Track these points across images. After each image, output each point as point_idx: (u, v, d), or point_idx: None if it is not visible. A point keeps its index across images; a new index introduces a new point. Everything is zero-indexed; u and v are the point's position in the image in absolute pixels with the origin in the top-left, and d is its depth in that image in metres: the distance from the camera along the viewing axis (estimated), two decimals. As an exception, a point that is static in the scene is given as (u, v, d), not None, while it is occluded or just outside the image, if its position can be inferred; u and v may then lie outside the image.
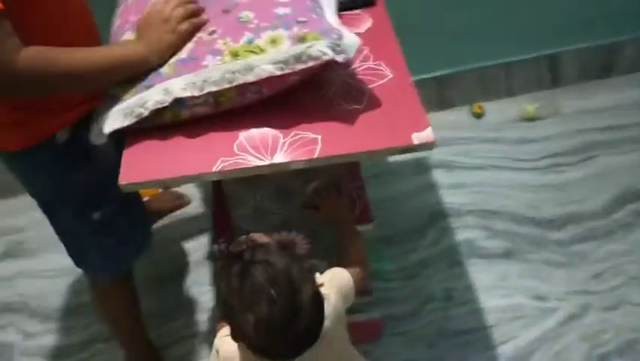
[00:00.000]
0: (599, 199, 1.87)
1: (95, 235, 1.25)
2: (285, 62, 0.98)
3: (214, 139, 1.02)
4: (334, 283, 1.02)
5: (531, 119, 2.12)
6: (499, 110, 2.17)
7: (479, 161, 2.02)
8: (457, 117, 2.18)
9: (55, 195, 1.18)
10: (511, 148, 2.05)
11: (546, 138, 2.06)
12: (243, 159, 0.98)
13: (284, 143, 1.00)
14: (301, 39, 0.99)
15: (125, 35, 1.09)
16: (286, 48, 0.99)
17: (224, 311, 0.88)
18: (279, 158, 0.98)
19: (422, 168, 2.03)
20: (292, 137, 1.01)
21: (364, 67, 1.14)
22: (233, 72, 0.99)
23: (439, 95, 2.16)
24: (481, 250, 1.77)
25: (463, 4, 1.94)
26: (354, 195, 1.36)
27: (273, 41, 1.00)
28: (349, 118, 1.03)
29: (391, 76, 1.11)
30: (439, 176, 2.00)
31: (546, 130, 2.09)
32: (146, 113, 0.99)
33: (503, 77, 2.15)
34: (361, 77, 1.11)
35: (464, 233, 1.82)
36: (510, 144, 2.06)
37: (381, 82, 1.10)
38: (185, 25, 1.03)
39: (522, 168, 1.98)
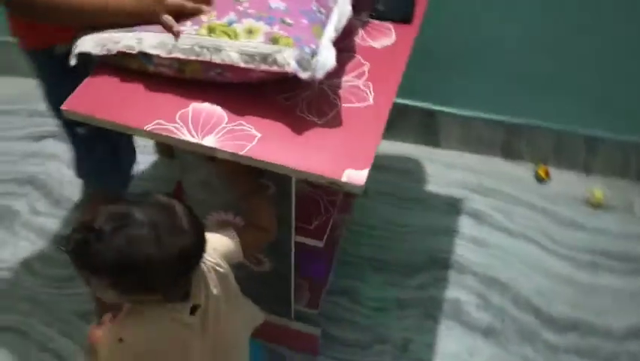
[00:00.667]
0: (621, 320, 1.63)
1: (79, 148, 1.34)
2: (252, 57, 0.95)
3: (166, 100, 1.01)
4: (220, 251, 1.01)
5: (596, 205, 1.87)
6: (565, 182, 1.95)
7: (514, 226, 1.84)
8: (516, 172, 1.99)
9: (54, 99, 1.25)
10: (556, 227, 1.83)
11: (600, 232, 1.82)
12: (177, 128, 0.97)
13: (224, 128, 0.97)
14: (274, 40, 0.95)
15: None
16: (256, 43, 0.95)
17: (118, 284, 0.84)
18: (209, 141, 0.95)
19: (452, 208, 1.89)
20: (235, 125, 0.98)
21: (352, 84, 1.06)
22: (202, 47, 0.97)
23: (506, 142, 1.98)
24: (463, 316, 1.63)
25: (557, 53, 1.73)
26: (323, 206, 1.29)
27: (250, 32, 0.96)
28: (300, 129, 0.97)
29: (371, 103, 1.03)
30: (465, 223, 1.85)
31: (604, 223, 1.84)
32: (113, 51, 1.00)
33: (583, 149, 1.92)
34: (342, 92, 1.04)
35: (456, 291, 1.68)
36: (558, 222, 1.85)
37: (357, 105, 1.02)
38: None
39: (556, 252, 1.77)
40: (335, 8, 1.06)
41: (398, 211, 1.88)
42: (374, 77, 1.07)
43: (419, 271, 1.73)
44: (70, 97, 1.00)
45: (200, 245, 0.88)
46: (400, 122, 2.02)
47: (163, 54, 0.99)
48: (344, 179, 0.91)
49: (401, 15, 1.19)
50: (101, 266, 0.81)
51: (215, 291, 0.97)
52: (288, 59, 0.93)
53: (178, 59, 0.98)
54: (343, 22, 1.05)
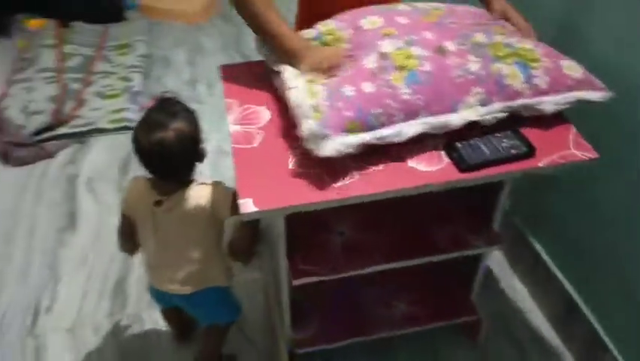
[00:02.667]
0: None
1: None
2: (299, 108, 1.14)
3: (258, 95, 1.35)
4: (214, 192, 1.34)
5: None
6: None
7: None
8: None
9: None
10: None
11: None
12: (235, 106, 1.31)
13: (250, 128, 1.26)
14: (315, 108, 1.12)
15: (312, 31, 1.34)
16: (307, 102, 1.13)
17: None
18: (233, 128, 1.27)
19: None
20: (257, 131, 1.26)
21: (348, 170, 1.16)
22: (289, 87, 1.19)
23: None
24: None
25: None
26: (328, 266, 1.40)
27: (312, 93, 1.15)
28: (277, 161, 1.18)
29: (334, 186, 1.13)
30: None
31: None
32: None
33: None
34: (335, 169, 1.16)
35: None
36: None
37: (329, 182, 1.14)
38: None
39: None
40: (396, 126, 1.15)
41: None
42: (370, 177, 1.15)
43: None
44: (228, 65, 1.46)
45: (170, 154, 1.24)
46: (569, 329, 1.73)
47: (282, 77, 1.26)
48: (240, 200, 1.10)
49: (465, 164, 1.16)
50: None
51: (179, 211, 1.33)
52: (305, 126, 1.11)
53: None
54: (394, 140, 1.15)
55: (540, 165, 1.17)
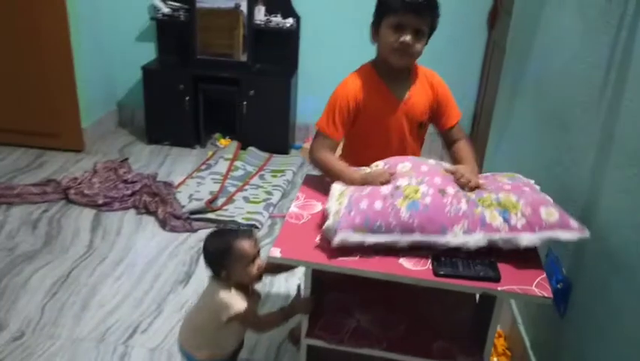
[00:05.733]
0: None
1: None
2: (328, 211, 1.66)
3: (315, 196, 1.87)
4: (222, 300, 1.70)
5: None
6: None
7: None
8: None
9: None
10: None
11: None
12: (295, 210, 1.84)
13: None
14: (336, 213, 1.60)
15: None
16: (336, 207, 1.64)
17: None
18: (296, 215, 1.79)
19: None
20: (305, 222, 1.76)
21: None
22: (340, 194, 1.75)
23: None
24: None
25: None
26: (345, 335, 1.75)
27: (340, 196, 1.68)
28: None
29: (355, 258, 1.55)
30: None
31: None
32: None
33: None
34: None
35: None
36: None
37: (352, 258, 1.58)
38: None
39: None
40: (393, 236, 1.55)
41: None
42: (366, 261, 1.55)
43: None
44: (311, 175, 2.02)
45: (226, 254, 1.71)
46: None
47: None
48: (272, 249, 1.58)
49: (440, 270, 1.51)
50: None
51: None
52: (326, 223, 1.60)
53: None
54: (389, 246, 1.57)
55: (498, 288, 1.47)
